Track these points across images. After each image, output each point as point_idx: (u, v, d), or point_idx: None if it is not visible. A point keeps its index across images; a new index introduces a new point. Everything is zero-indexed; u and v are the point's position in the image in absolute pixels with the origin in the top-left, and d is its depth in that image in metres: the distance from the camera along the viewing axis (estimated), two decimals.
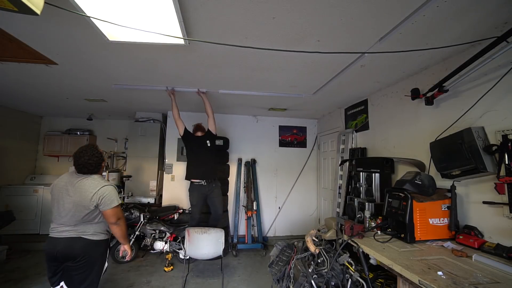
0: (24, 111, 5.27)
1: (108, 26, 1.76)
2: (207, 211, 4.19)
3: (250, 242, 4.76)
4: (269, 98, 3.83)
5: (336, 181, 4.19)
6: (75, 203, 1.89)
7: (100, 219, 2.00)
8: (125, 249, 2.17)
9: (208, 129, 3.74)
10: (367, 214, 2.39)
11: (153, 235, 3.93)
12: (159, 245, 3.86)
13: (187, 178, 3.64)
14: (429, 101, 2.40)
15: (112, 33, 1.90)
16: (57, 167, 5.71)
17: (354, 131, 3.93)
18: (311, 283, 2.00)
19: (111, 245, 4.05)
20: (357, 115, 3.91)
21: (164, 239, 3.91)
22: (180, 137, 3.75)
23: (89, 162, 1.96)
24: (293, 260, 2.39)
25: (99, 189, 1.91)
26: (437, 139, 2.27)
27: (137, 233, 3.88)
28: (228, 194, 4.65)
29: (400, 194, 2.12)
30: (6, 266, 3.62)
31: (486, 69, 1.93)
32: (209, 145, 3.65)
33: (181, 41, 2.00)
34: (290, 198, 5.35)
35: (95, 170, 2.01)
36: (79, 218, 1.90)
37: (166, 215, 4.32)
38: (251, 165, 5.13)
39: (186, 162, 5.15)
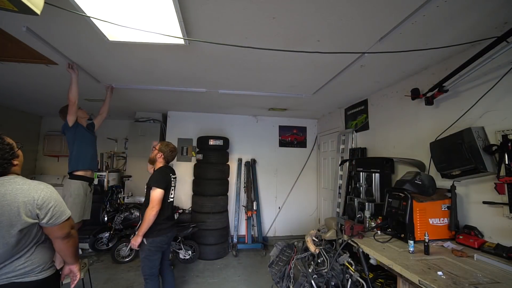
0: (24, 111, 5.27)
1: (108, 26, 1.76)
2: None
3: (250, 242, 4.76)
4: (269, 98, 3.83)
5: (336, 181, 4.19)
6: None
7: (40, 241, 1.30)
8: (72, 272, 1.49)
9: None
10: (367, 214, 2.39)
11: None
12: None
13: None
14: (429, 101, 2.40)
15: (112, 33, 1.90)
16: (57, 167, 5.71)
17: (354, 131, 3.93)
18: (311, 283, 2.00)
19: (110, 245, 4.07)
20: (357, 115, 3.90)
21: None
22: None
23: None
24: (293, 260, 2.39)
25: (36, 195, 1.22)
26: (437, 139, 2.27)
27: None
28: (228, 194, 4.65)
29: (400, 194, 2.12)
30: None
31: (486, 69, 1.93)
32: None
33: (181, 41, 2.00)
34: (290, 198, 5.35)
35: (3, 169, 1.24)
36: (4, 249, 1.16)
37: None
38: (251, 165, 5.13)
39: (186, 162, 5.21)
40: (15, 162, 1.31)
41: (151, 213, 2.18)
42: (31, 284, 1.24)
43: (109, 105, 3.24)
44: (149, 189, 2.29)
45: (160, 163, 2.44)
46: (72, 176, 2.68)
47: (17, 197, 1.18)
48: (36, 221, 1.23)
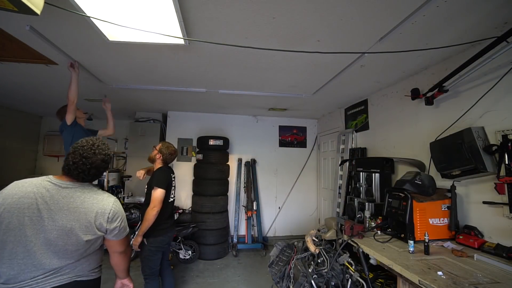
0: (24, 111, 5.27)
1: (108, 26, 1.76)
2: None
3: (250, 242, 4.76)
4: (269, 98, 3.83)
5: (336, 181, 4.19)
6: (66, 230, 1.14)
7: (98, 248, 1.31)
8: (125, 285, 1.54)
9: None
10: (367, 214, 2.39)
11: None
12: None
13: None
14: (429, 101, 2.40)
15: (112, 33, 1.90)
16: (57, 167, 5.70)
17: (354, 131, 3.93)
18: (311, 283, 2.00)
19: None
20: (357, 115, 3.90)
21: None
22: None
23: (103, 165, 1.28)
24: (293, 260, 2.39)
25: (108, 207, 1.24)
26: (437, 139, 2.27)
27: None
28: (228, 194, 4.65)
29: (400, 194, 2.12)
30: None
31: (486, 69, 1.93)
32: None
33: (181, 41, 2.00)
34: (290, 198, 5.35)
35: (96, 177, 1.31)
36: (72, 254, 1.18)
37: None
38: (251, 165, 5.13)
39: (186, 162, 5.21)
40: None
41: (151, 213, 2.19)
42: (90, 282, 1.27)
43: (113, 121, 3.28)
44: (150, 189, 2.29)
45: (159, 164, 2.45)
46: None
47: (93, 207, 1.20)
48: (103, 234, 1.24)
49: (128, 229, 1.38)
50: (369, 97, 3.59)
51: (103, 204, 1.23)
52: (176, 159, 5.00)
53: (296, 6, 1.59)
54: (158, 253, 2.33)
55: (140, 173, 2.56)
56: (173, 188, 2.46)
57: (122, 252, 1.38)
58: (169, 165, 2.59)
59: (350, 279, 1.95)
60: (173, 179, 2.46)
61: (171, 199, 2.45)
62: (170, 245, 2.60)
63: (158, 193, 2.22)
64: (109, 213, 1.23)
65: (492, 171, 1.83)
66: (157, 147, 2.47)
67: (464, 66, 1.97)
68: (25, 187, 1.13)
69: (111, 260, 1.42)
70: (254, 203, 4.90)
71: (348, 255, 2.08)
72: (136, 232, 2.29)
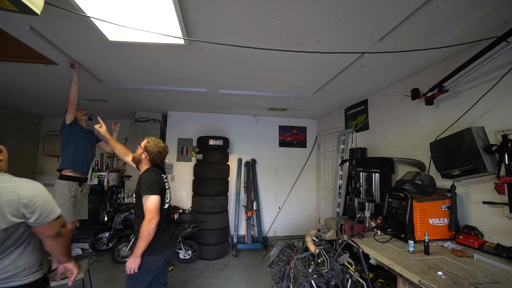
0: (24, 111, 5.27)
1: (108, 26, 1.76)
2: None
3: (250, 242, 4.76)
4: (269, 98, 3.83)
5: (336, 181, 4.19)
6: None
7: (27, 242, 1.23)
8: (68, 269, 1.44)
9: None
10: (367, 214, 2.39)
11: None
12: None
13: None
14: (429, 101, 2.40)
15: (112, 33, 1.90)
16: (57, 167, 5.70)
17: (354, 131, 3.93)
18: (311, 283, 2.00)
19: (110, 245, 4.07)
20: (357, 115, 3.91)
21: None
22: None
23: None
24: (293, 260, 2.39)
25: (22, 193, 1.18)
26: (437, 139, 2.27)
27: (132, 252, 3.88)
28: (228, 194, 4.65)
29: (400, 194, 2.12)
30: None
31: (486, 69, 1.93)
32: None
33: (181, 41, 2.00)
34: (290, 198, 5.35)
35: None
36: None
37: None
38: (251, 165, 5.13)
39: (186, 162, 5.21)
40: (0, 158, 1.27)
41: (149, 227, 1.73)
42: (25, 287, 1.17)
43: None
44: (139, 198, 1.84)
45: (145, 165, 1.98)
46: (61, 176, 2.68)
47: (0, 196, 1.14)
48: (23, 220, 1.17)
49: (57, 211, 1.27)
50: (369, 97, 3.59)
51: (15, 191, 1.17)
52: (176, 159, 5.02)
53: (296, 6, 1.59)
54: (146, 277, 1.82)
55: None
56: (167, 191, 2.01)
57: (54, 236, 1.27)
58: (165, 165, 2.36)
59: (350, 279, 1.95)
60: (165, 180, 2.01)
61: (167, 205, 1.98)
62: (166, 266, 2.06)
63: (151, 201, 1.77)
64: (23, 199, 1.16)
65: (492, 171, 1.83)
66: (142, 144, 1.98)
67: (464, 66, 1.97)
68: None
69: (45, 246, 1.31)
70: (254, 203, 4.90)
71: (348, 255, 2.08)
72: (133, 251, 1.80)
